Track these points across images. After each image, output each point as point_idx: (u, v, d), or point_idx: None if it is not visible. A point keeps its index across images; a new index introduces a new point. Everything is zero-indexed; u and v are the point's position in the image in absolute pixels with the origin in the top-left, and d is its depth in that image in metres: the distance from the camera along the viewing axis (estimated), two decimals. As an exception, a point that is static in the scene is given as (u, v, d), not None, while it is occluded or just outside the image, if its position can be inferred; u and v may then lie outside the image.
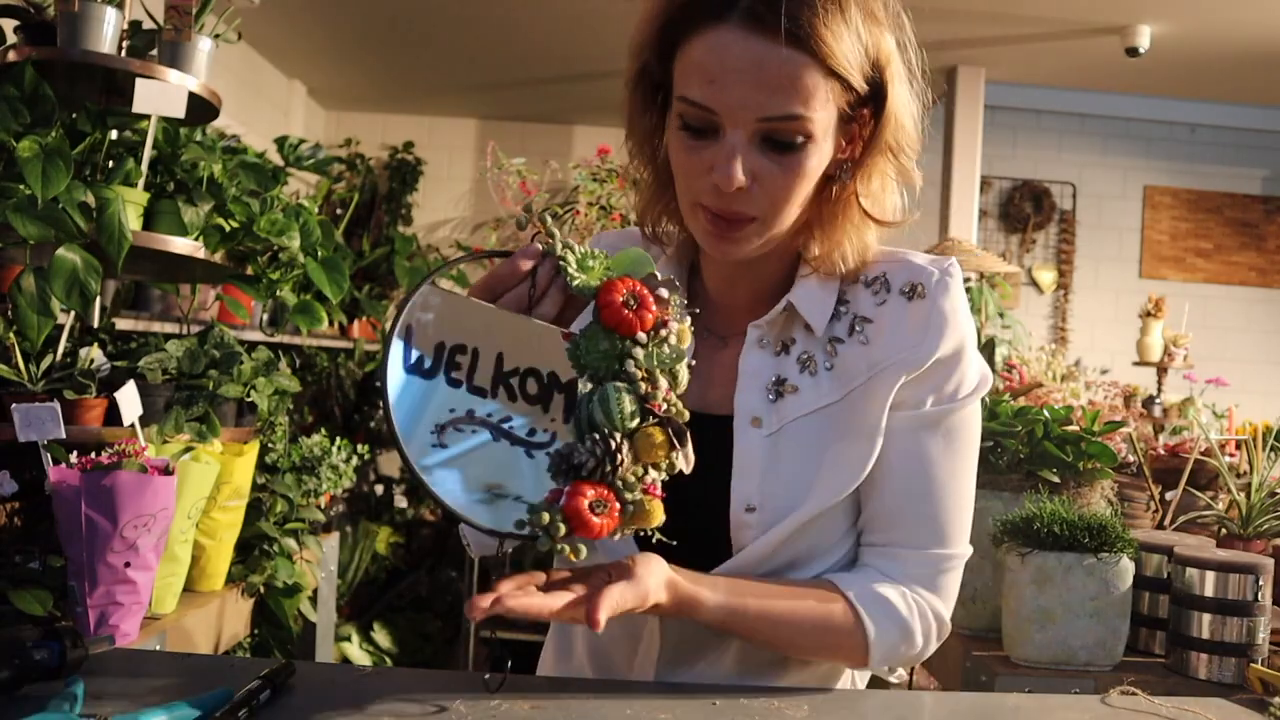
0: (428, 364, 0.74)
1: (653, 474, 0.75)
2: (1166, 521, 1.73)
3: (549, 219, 0.81)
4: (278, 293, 1.94)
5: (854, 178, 0.96)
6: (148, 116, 1.74)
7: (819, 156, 0.91)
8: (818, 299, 0.99)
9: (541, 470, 0.75)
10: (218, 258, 1.87)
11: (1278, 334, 6.70)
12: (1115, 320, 6.54)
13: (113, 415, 1.60)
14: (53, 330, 1.58)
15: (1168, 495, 1.81)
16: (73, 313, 1.69)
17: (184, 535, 1.59)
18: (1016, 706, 0.92)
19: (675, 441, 0.74)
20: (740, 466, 0.95)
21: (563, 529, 0.71)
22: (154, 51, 1.88)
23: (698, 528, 0.91)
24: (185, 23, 1.82)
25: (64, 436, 1.42)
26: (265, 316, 3.38)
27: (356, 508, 4.86)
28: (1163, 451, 1.95)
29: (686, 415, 0.77)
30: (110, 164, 1.75)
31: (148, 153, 1.74)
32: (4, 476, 1.46)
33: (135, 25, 1.92)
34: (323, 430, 2.18)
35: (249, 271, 1.94)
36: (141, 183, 1.73)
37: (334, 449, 2.02)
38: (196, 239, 1.79)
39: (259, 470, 1.83)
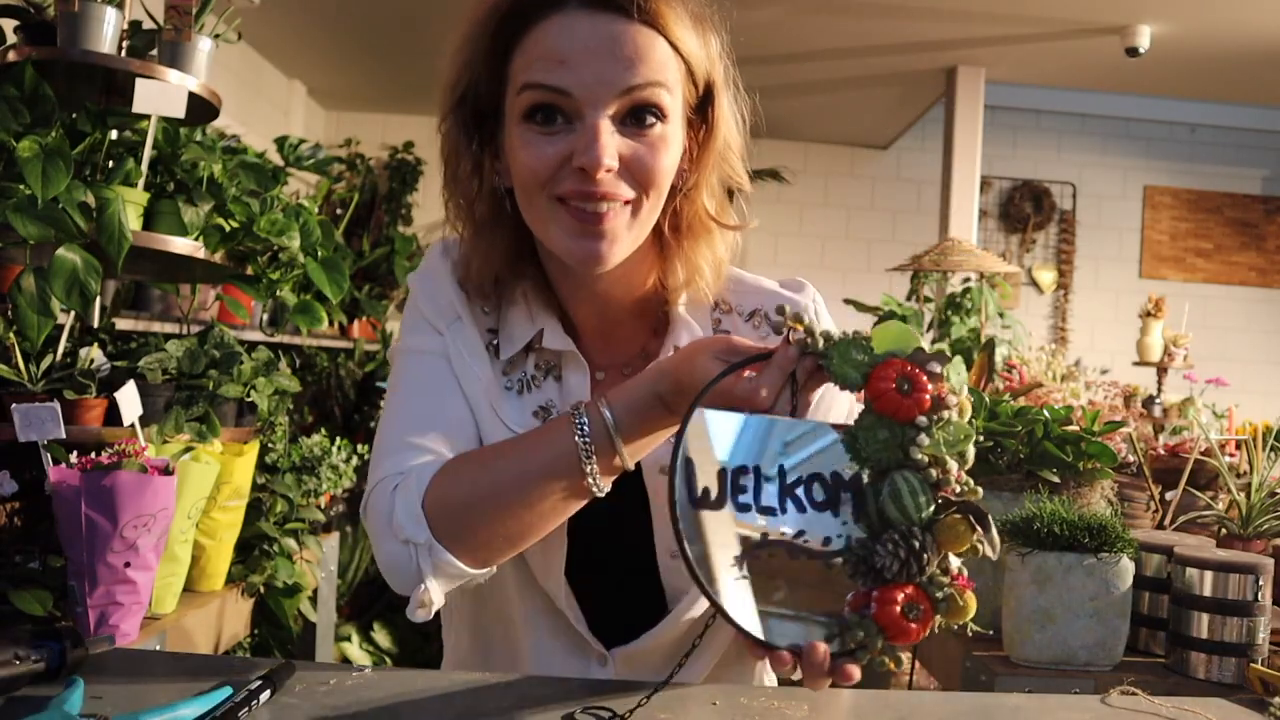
0: (713, 495, 0.71)
1: (956, 563, 0.71)
2: (1166, 521, 1.73)
3: (804, 317, 0.77)
4: (278, 293, 1.94)
5: (696, 187, 0.95)
6: (148, 116, 1.74)
7: (675, 144, 0.90)
8: (698, 335, 0.98)
9: (841, 580, 0.72)
10: (218, 258, 1.87)
11: (1278, 334, 6.71)
12: (1115, 320, 6.55)
13: (113, 415, 1.60)
14: (53, 330, 1.58)
15: (1168, 495, 1.81)
16: (73, 313, 1.68)
17: (184, 535, 1.59)
18: (1016, 706, 0.92)
19: (977, 526, 0.70)
20: (658, 514, 0.96)
21: (880, 642, 0.69)
22: (154, 51, 1.88)
23: (630, 575, 0.95)
24: (185, 23, 1.82)
25: (64, 436, 1.42)
26: (265, 316, 3.38)
27: (356, 508, 4.85)
28: (1163, 451, 1.95)
29: (980, 493, 0.72)
30: (110, 164, 1.75)
31: (148, 153, 1.74)
32: (4, 476, 1.46)
33: (135, 25, 1.92)
34: (323, 430, 2.18)
35: (249, 271, 1.94)
36: (141, 183, 1.73)
37: (334, 449, 2.02)
38: (196, 239, 1.79)
39: (259, 470, 1.83)
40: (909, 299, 3.58)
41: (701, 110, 0.94)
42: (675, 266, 0.97)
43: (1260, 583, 1.30)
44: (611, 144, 0.85)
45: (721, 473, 0.71)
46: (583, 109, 0.85)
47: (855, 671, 0.70)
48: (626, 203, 0.88)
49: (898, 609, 0.68)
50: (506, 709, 0.82)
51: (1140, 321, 4.59)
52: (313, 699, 0.81)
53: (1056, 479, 1.46)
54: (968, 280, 3.54)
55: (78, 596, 1.37)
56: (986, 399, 1.54)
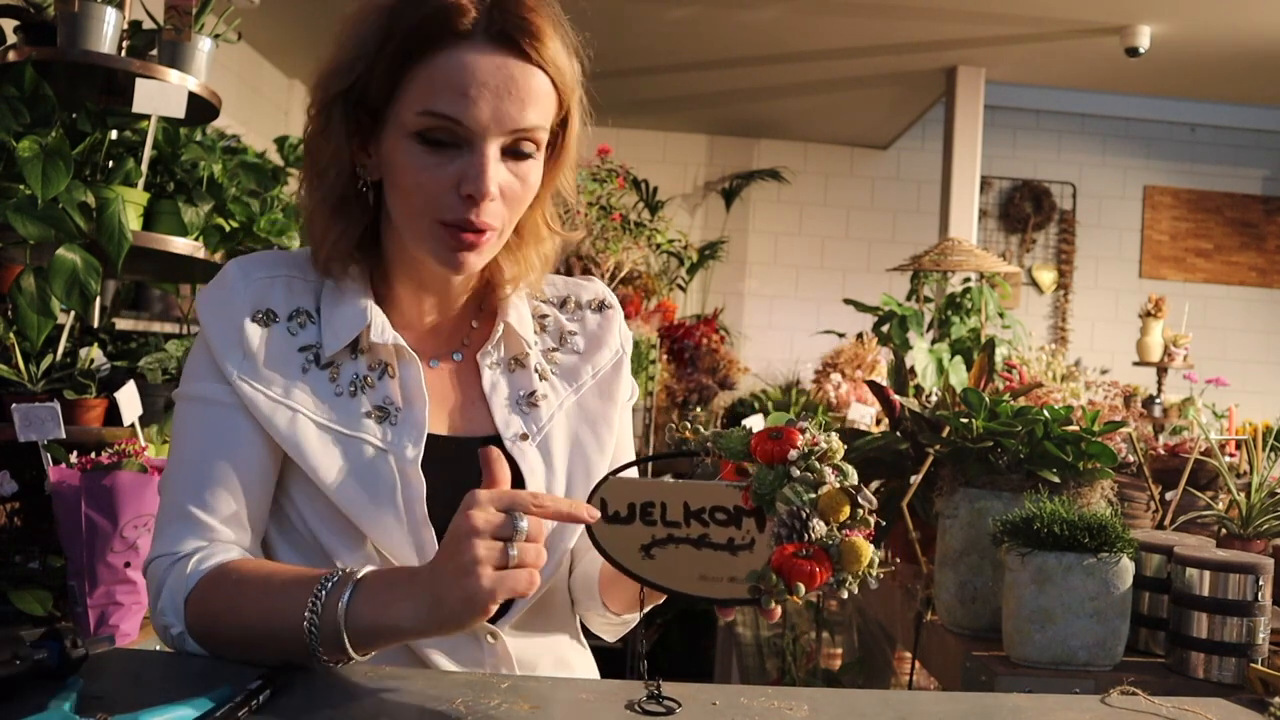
0: (623, 515, 0.84)
1: (846, 526, 0.81)
2: (1166, 521, 1.73)
3: (690, 425, 0.92)
4: (278, 293, 1.94)
5: (540, 198, 1.04)
6: (148, 116, 1.74)
7: (539, 169, 0.99)
8: (524, 318, 1.09)
9: (749, 558, 0.83)
10: (218, 258, 1.87)
11: (1278, 334, 6.71)
12: (1115, 320, 6.55)
13: (113, 415, 1.60)
14: (53, 330, 1.58)
15: (1168, 495, 1.81)
16: (73, 313, 1.68)
17: (184, 535, 1.59)
18: (1016, 706, 0.92)
19: (854, 491, 0.81)
20: (527, 482, 1.02)
21: (775, 578, 0.80)
22: (154, 51, 1.89)
23: None
24: (185, 23, 1.83)
25: (64, 436, 1.42)
26: (265, 316, 3.38)
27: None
28: (1163, 451, 1.95)
29: (854, 478, 0.83)
30: (110, 164, 1.75)
31: (148, 153, 1.74)
32: (4, 476, 1.46)
33: (135, 25, 1.93)
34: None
35: (249, 271, 1.93)
36: (141, 183, 1.74)
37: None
38: (196, 239, 1.79)
39: (259, 470, 1.82)
40: (909, 299, 3.58)
41: (556, 129, 1.02)
42: (511, 263, 1.06)
43: (1260, 583, 1.30)
44: (496, 174, 0.94)
45: (630, 505, 0.84)
46: (474, 139, 0.93)
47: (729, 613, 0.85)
48: (495, 230, 0.97)
49: (791, 551, 0.80)
50: (522, 708, 0.82)
51: (1140, 321, 4.59)
52: (313, 699, 0.81)
53: (1056, 479, 1.46)
54: (968, 280, 3.54)
55: (78, 596, 1.37)
56: (986, 399, 1.54)
